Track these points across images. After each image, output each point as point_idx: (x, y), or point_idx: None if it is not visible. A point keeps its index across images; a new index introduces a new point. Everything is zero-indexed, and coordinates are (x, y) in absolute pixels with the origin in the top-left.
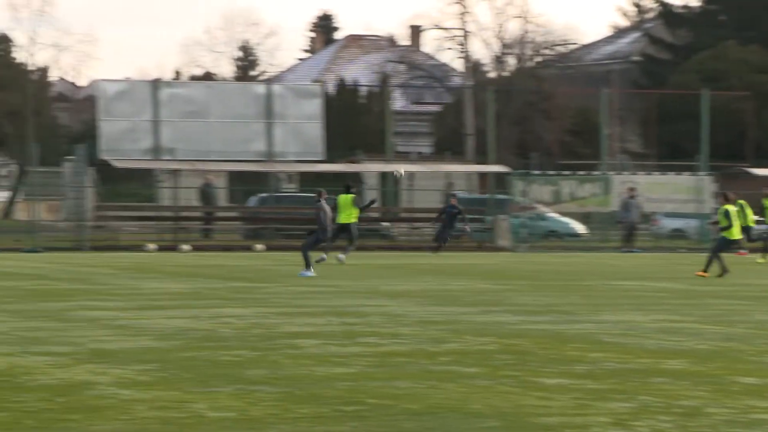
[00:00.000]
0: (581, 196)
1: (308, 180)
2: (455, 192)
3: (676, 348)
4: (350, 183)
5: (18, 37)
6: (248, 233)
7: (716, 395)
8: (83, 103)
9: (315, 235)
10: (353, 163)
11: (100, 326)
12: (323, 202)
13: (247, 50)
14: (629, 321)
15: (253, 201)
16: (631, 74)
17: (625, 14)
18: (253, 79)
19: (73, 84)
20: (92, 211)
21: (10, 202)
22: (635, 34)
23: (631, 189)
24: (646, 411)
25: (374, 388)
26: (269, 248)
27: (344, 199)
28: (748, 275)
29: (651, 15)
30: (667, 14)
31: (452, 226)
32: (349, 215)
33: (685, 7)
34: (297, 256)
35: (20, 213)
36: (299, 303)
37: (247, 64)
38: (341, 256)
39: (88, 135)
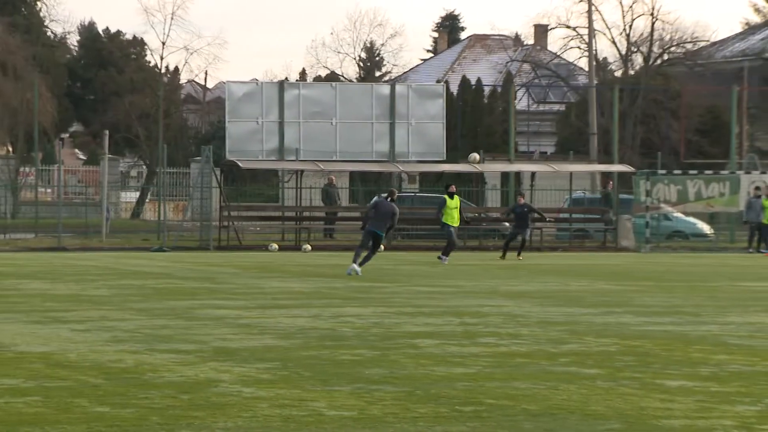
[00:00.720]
0: (708, 195)
1: (429, 180)
2: (522, 191)
3: None
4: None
5: (151, 40)
6: None
7: None
8: (211, 105)
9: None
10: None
11: (224, 324)
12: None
13: (371, 51)
14: (757, 323)
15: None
16: (763, 71)
17: (757, 10)
18: (377, 79)
19: (201, 86)
20: (217, 211)
21: (140, 202)
22: (767, 31)
23: (757, 189)
24: None
25: (493, 388)
26: (388, 248)
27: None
28: None
29: None
30: None
31: (524, 226)
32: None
33: None
34: (416, 256)
35: (148, 213)
36: (418, 303)
37: (371, 64)
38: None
39: (216, 136)
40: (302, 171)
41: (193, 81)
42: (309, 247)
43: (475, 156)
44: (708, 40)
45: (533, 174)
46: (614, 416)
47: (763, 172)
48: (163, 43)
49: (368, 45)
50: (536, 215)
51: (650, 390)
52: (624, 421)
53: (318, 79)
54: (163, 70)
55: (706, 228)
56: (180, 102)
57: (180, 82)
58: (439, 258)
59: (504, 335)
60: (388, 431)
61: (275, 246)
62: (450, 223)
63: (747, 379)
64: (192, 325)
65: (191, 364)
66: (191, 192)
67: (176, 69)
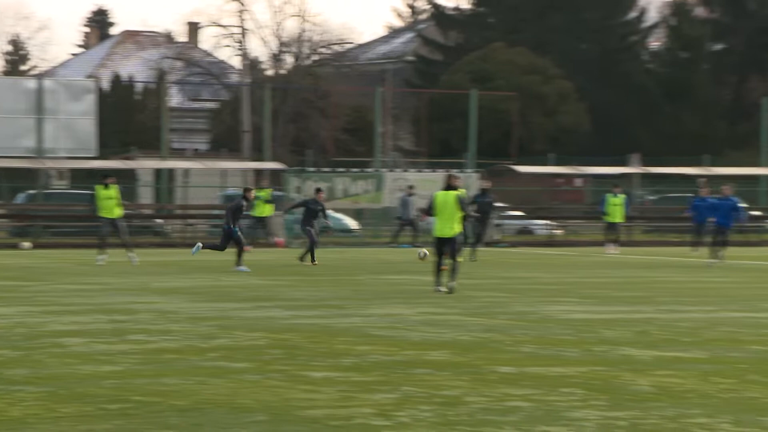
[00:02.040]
0: (354, 192)
1: (80, 177)
2: (319, 187)
3: (439, 339)
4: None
5: None
6: (15, 231)
7: (475, 384)
8: None
9: None
10: (128, 159)
11: None
12: None
13: (17, 44)
14: (396, 314)
15: (21, 198)
16: (404, 74)
17: (399, 15)
18: (24, 73)
19: None
20: None
21: None
22: (409, 35)
23: (410, 187)
24: (408, 401)
25: (141, 385)
26: (37, 246)
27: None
28: (513, 268)
29: (424, 16)
30: (439, 16)
31: (311, 222)
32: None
33: (456, 9)
34: (65, 253)
35: None
36: (65, 301)
37: (17, 58)
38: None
39: None
40: None
41: None
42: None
43: (424, 252)
44: (354, 42)
45: (186, 171)
46: (261, 408)
47: (406, 170)
48: None
49: (13, 38)
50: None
51: (296, 382)
52: (270, 412)
53: None
54: None
55: (352, 223)
56: None
57: None
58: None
59: (154, 332)
60: None
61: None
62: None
63: (386, 368)
64: None
65: None
66: None
67: None
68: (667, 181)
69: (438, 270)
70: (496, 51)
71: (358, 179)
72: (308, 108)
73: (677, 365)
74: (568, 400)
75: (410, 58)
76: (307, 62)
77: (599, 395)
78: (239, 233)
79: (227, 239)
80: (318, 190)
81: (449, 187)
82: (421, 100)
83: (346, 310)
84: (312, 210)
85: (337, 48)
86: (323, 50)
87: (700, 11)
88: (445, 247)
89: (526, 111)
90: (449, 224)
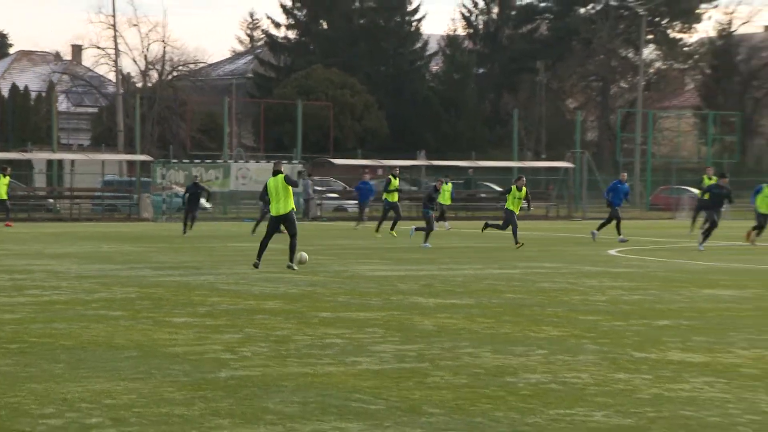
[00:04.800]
0: (207, 179)
1: None
2: (196, 174)
3: (273, 292)
4: None
5: None
6: None
7: (300, 326)
8: None
9: None
10: (25, 152)
11: None
12: None
13: None
14: (240, 273)
15: None
16: (246, 87)
17: (241, 41)
18: None
19: None
20: None
21: None
22: (249, 57)
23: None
24: (249, 340)
25: (36, 329)
26: None
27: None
28: (331, 238)
29: (260, 43)
30: (272, 43)
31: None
32: None
33: (285, 38)
34: None
35: None
36: None
37: None
38: None
39: None
40: None
41: None
42: None
43: (303, 255)
44: (206, 62)
45: (73, 161)
46: (133, 347)
47: (247, 162)
48: None
49: None
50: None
51: (161, 326)
52: (140, 350)
53: None
54: None
55: (206, 204)
56: None
57: None
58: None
59: (47, 287)
60: None
61: None
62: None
63: (232, 314)
64: None
65: None
66: None
67: None
68: (445, 171)
69: (263, 246)
70: (316, 71)
71: (210, 168)
72: (170, 113)
73: (452, 309)
74: (372, 337)
75: (250, 75)
76: (169, 77)
77: (395, 333)
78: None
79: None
80: (195, 177)
81: (276, 172)
82: (259, 107)
83: (202, 270)
84: (195, 193)
85: (192, 66)
86: (181, 68)
87: (467, 43)
88: (285, 223)
89: (339, 117)
90: (283, 203)
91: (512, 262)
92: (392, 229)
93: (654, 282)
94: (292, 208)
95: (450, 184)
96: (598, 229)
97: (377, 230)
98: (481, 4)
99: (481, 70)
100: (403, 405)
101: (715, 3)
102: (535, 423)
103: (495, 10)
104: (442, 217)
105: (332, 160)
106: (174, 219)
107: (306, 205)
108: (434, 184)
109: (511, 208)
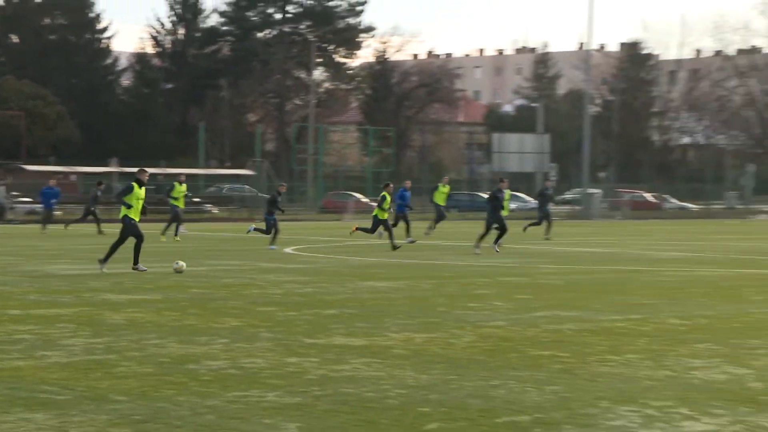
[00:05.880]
0: None
1: None
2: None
3: None
4: None
5: None
6: None
7: None
8: None
9: None
10: None
11: None
12: None
13: None
14: None
15: None
16: None
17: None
18: None
19: None
20: None
21: None
22: None
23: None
24: None
25: None
26: None
27: None
28: (24, 239)
29: None
30: None
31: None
32: None
33: None
34: None
35: None
36: None
37: None
38: None
39: None
40: None
41: None
42: None
43: (181, 264)
44: None
45: None
46: None
47: None
48: None
49: None
50: None
51: None
52: None
53: None
54: None
55: None
56: None
57: None
58: None
59: None
60: None
61: None
62: None
63: None
64: None
65: None
66: None
67: None
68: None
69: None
70: (7, 82)
71: None
72: None
73: (141, 304)
74: (62, 332)
75: None
76: None
77: (86, 327)
78: None
79: None
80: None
81: None
82: None
83: None
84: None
85: None
86: None
87: (156, 61)
88: None
89: (32, 126)
90: None
91: (200, 260)
92: (176, 234)
93: (323, 276)
94: None
95: (447, 186)
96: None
97: (163, 234)
98: (168, 25)
99: (169, 85)
100: (91, 394)
101: (372, 33)
102: (213, 405)
103: (181, 31)
104: (395, 224)
105: (24, 167)
106: None
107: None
108: (278, 187)
109: (379, 215)
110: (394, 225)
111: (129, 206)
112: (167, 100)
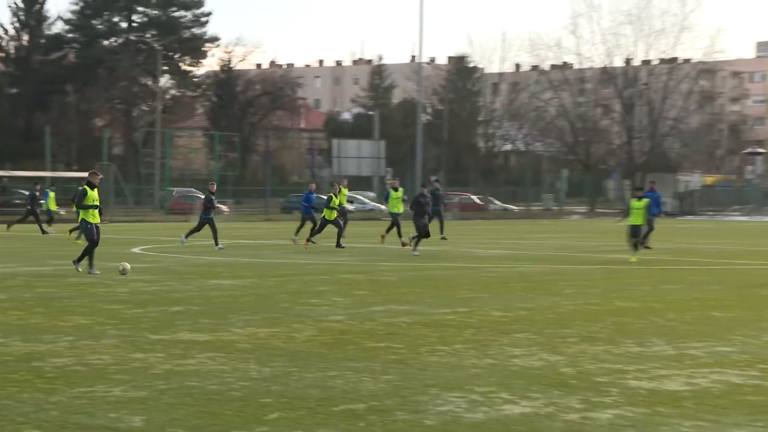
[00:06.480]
0: None
1: None
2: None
3: None
4: None
5: None
6: None
7: None
8: None
9: None
10: None
11: None
12: None
13: None
14: None
15: None
16: None
17: None
18: None
19: None
20: None
21: None
22: None
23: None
24: None
25: None
26: None
27: None
28: None
29: None
30: None
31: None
32: None
33: None
34: None
35: None
36: None
37: None
38: None
39: None
40: None
41: None
42: None
43: (125, 267)
44: None
45: None
46: None
47: None
48: None
49: None
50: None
51: None
52: None
53: None
54: None
55: None
56: None
57: None
58: None
59: None
60: None
61: None
62: None
63: None
64: None
65: None
66: None
67: None
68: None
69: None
70: None
71: None
72: None
73: None
74: None
75: None
76: None
77: None
78: None
79: None
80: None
81: None
82: None
83: None
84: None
85: None
86: None
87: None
88: None
89: None
90: None
91: (45, 260)
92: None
93: (170, 275)
94: None
95: (346, 189)
96: (310, 236)
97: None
98: (12, 31)
99: (14, 90)
100: None
101: (217, 43)
102: (58, 401)
103: (25, 37)
104: (302, 225)
105: None
106: None
107: None
108: (209, 187)
109: (327, 216)
110: (301, 226)
111: (87, 209)
112: (12, 105)
